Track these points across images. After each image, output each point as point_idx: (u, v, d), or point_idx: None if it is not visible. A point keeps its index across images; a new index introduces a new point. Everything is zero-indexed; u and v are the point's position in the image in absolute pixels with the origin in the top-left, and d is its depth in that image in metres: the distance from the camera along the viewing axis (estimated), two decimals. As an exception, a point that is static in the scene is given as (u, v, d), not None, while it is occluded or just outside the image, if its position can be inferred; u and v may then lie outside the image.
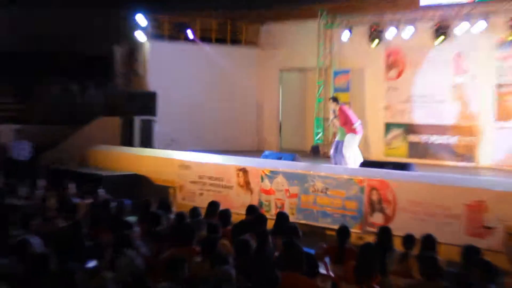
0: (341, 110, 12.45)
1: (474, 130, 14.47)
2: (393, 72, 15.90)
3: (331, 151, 12.77)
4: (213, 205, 8.26)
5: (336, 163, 12.37)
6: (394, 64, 15.88)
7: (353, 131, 12.30)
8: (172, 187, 13.33)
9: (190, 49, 18.10)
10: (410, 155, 15.33)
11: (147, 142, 16.23)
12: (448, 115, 14.87)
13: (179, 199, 13.14)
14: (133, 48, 17.81)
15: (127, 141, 16.45)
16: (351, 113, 12.58)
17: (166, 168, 13.62)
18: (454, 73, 14.78)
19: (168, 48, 17.80)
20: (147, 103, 16.51)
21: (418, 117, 15.42)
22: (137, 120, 16.37)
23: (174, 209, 8.70)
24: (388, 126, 15.94)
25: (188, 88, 17.88)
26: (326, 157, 15.83)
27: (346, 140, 12.28)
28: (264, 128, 19.18)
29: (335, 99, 12.86)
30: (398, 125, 15.75)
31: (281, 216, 7.80)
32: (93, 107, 18.31)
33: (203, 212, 8.12)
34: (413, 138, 15.47)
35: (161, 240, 6.65)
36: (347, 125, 12.32)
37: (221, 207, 8.18)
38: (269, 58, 18.88)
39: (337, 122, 12.52)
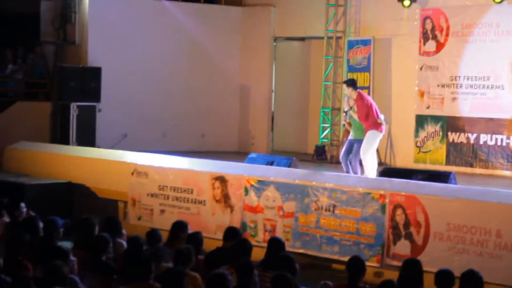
0: (360, 98, 12.45)
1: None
2: (431, 44, 16.07)
3: (341, 154, 12.88)
4: (179, 226, 8.42)
5: (348, 171, 12.54)
6: (433, 32, 16.05)
7: (377, 127, 12.36)
8: (123, 201, 13.48)
9: (148, 8, 18.16)
10: (450, 161, 15.59)
11: (87, 138, 16.33)
12: (507, 106, 15.06)
13: (132, 218, 13.30)
14: (67, 4, 17.75)
15: (60, 137, 16.56)
16: (373, 103, 12.61)
17: (114, 175, 13.75)
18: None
19: (117, 5, 17.79)
20: (87, 83, 16.59)
21: (464, 108, 15.60)
22: (74, 107, 16.48)
23: (125, 231, 8.87)
24: (421, 120, 16.09)
25: (145, 63, 17.89)
26: (335, 163, 16.00)
27: (366, 140, 12.32)
28: (250, 121, 19.30)
29: (351, 83, 12.88)
30: (435, 119, 15.91)
31: (275, 244, 7.97)
32: (10, 88, 18.34)
33: (165, 236, 8.32)
34: (456, 137, 15.65)
35: (107, 274, 6.83)
36: (369, 120, 12.33)
37: (190, 230, 8.36)
38: (259, 22, 18.99)
39: (354, 115, 12.47)
